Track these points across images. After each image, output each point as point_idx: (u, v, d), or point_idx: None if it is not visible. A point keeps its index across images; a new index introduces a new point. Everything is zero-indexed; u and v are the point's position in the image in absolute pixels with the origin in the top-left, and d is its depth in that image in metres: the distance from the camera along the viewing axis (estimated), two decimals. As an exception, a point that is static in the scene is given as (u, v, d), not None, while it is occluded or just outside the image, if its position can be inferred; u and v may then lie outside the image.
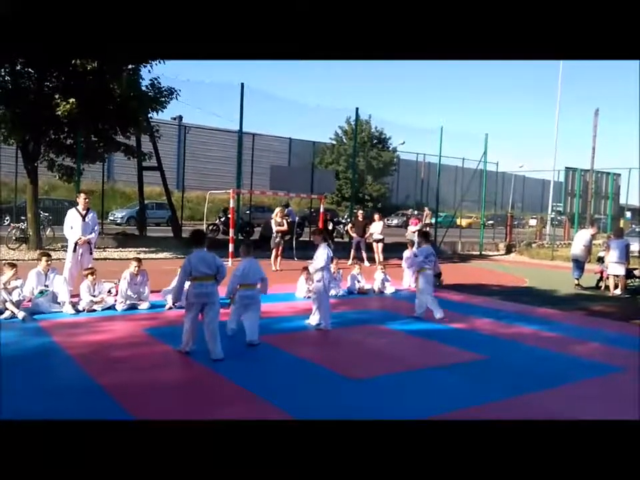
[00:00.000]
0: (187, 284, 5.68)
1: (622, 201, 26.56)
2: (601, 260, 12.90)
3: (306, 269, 9.80)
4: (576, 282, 12.37)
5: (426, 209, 19.78)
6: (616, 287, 11.73)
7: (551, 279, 13.65)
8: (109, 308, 7.58)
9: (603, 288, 12.15)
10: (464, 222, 29.38)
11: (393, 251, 15.93)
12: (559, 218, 26.86)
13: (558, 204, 26.64)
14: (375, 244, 15.20)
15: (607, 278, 12.03)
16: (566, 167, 23.26)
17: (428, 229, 16.25)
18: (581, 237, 12.90)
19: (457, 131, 50.98)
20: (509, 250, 22.25)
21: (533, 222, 34.47)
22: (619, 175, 25.08)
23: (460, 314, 8.43)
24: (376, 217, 15.83)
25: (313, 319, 7.19)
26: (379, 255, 14.85)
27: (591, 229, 13.61)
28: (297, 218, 20.41)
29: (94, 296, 7.54)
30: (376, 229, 15.24)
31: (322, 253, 7.04)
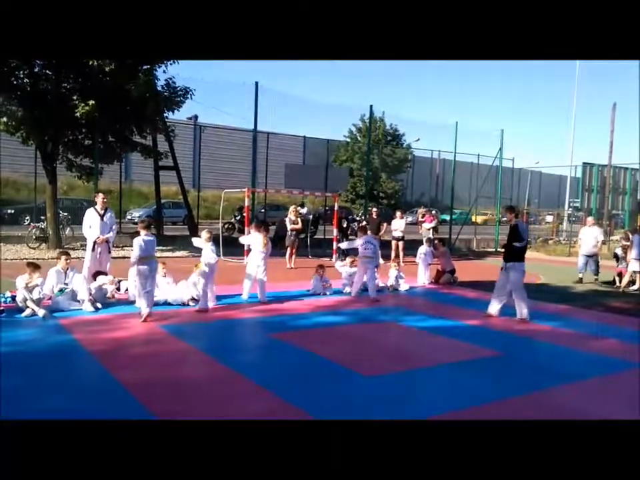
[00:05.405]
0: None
1: (640, 196, 26.16)
2: (617, 257, 12.81)
3: (320, 266, 9.87)
4: (580, 276, 12.37)
5: (419, 209, 19.49)
6: (633, 283, 11.66)
7: (566, 275, 13.51)
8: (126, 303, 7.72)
9: (621, 285, 12.03)
10: (479, 219, 29.14)
11: (407, 247, 15.90)
12: (576, 214, 26.50)
13: (575, 200, 26.29)
14: (394, 242, 15.13)
15: (624, 274, 11.95)
16: (583, 163, 22.93)
17: (433, 230, 16.05)
18: (590, 234, 12.74)
19: (473, 127, 50.40)
20: (524, 247, 21.99)
21: (549, 218, 34.08)
22: (638, 170, 24.70)
23: (475, 310, 8.42)
24: (398, 214, 15.72)
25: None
26: (399, 253, 14.82)
27: (589, 221, 13.41)
28: (310, 216, 20.41)
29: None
30: (398, 226, 15.15)
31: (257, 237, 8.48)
